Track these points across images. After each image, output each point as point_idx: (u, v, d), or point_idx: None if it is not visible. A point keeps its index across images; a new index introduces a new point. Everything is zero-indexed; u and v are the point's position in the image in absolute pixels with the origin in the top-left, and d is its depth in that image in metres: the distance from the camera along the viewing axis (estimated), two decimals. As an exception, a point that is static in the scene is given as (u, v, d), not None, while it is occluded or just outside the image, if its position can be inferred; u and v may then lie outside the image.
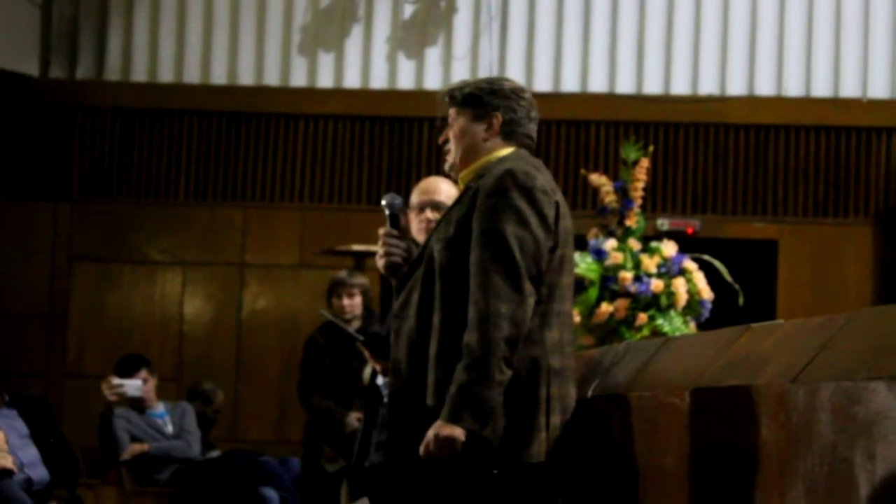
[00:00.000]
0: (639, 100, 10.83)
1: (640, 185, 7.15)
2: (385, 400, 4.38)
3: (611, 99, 10.87)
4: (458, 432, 3.71)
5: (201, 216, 10.95)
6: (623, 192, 7.16)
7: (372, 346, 4.67)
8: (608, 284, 6.95)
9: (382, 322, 5.03)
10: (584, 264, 6.91)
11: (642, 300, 6.92)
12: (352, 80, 10.99)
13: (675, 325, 6.90)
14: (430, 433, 3.74)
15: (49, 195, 10.96)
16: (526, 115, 4.11)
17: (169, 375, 10.32)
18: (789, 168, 10.83)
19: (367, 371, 5.24)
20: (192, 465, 8.78)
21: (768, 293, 10.60)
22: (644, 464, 3.86)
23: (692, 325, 7.04)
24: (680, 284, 6.96)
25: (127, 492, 8.66)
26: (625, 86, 10.88)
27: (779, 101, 10.80)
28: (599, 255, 7.01)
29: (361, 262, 9.17)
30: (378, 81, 10.98)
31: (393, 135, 10.96)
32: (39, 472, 7.31)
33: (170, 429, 8.90)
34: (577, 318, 6.70)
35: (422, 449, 3.76)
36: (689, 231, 10.61)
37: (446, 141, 4.15)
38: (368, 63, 11.00)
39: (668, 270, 7.01)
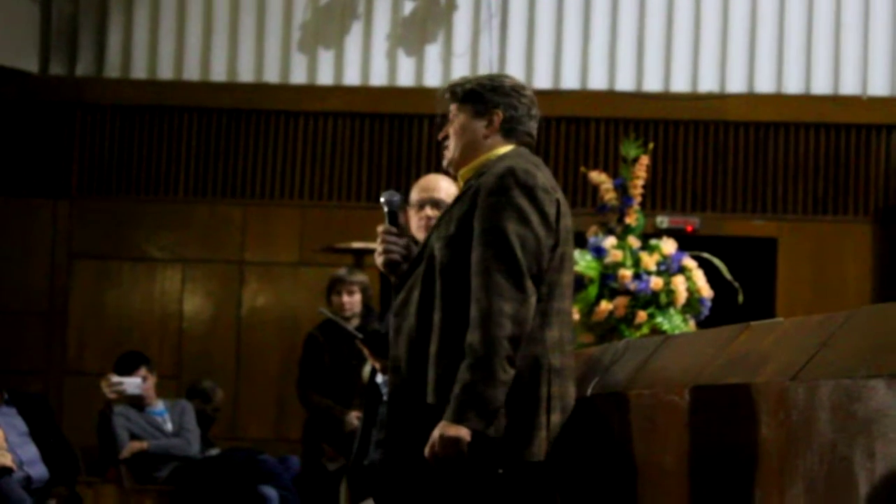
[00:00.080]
0: (638, 97, 10.83)
1: (640, 182, 7.15)
2: (384, 398, 4.38)
3: (610, 96, 10.86)
4: (464, 432, 3.71)
5: (201, 213, 10.95)
6: (623, 190, 7.16)
7: (371, 343, 4.66)
8: (608, 282, 6.95)
9: (382, 320, 5.03)
10: (583, 262, 6.90)
11: (642, 298, 6.92)
12: (352, 77, 10.98)
13: (675, 322, 6.90)
14: (436, 433, 3.74)
15: (49, 192, 10.96)
16: (526, 113, 4.10)
17: (168, 373, 10.32)
18: (789, 165, 10.83)
19: (367, 369, 5.23)
20: (192, 463, 8.78)
21: (768, 291, 10.60)
22: (643, 462, 3.86)
23: (692, 323, 7.04)
24: (679, 282, 6.96)
25: (126, 490, 8.67)
26: (625, 83, 10.87)
27: (778, 99, 10.80)
28: (599, 252, 7.01)
29: (361, 259, 9.17)
30: (378, 78, 10.98)
31: (393, 132, 10.96)
32: (39, 470, 7.31)
33: (169, 427, 8.90)
34: (576, 316, 6.70)
35: (427, 449, 3.75)
36: (689, 229, 10.60)
37: (446, 137, 4.15)
38: (368, 60, 10.99)
39: (668, 268, 7.01)
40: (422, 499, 3.94)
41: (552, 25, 10.93)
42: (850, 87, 10.78)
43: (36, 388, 9.85)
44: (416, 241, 4.43)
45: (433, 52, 10.99)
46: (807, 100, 10.80)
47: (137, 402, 8.84)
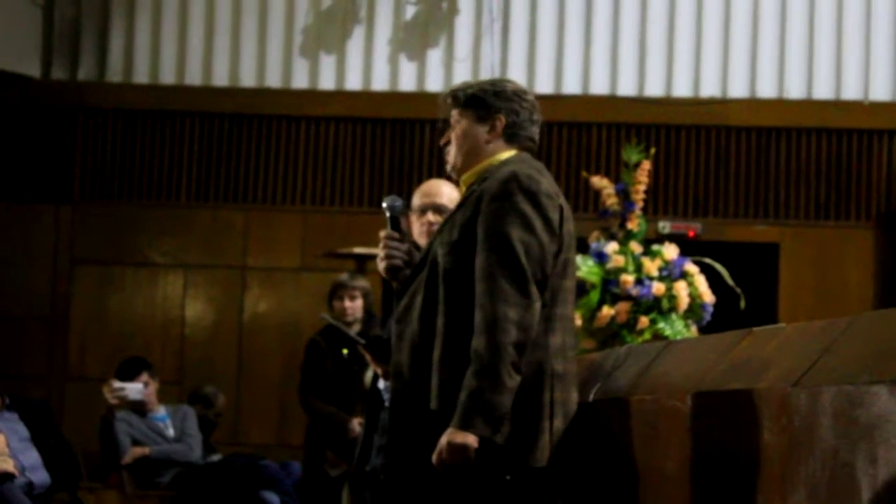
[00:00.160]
0: (640, 102, 10.83)
1: (642, 187, 7.15)
2: (386, 404, 4.38)
3: (612, 101, 10.86)
4: (471, 439, 3.71)
5: (203, 218, 10.95)
6: (624, 195, 7.16)
7: (373, 349, 4.66)
8: (609, 288, 6.94)
9: (384, 325, 5.03)
10: (585, 267, 6.90)
11: (644, 303, 6.91)
12: (353, 82, 10.99)
13: (677, 328, 6.90)
14: (443, 440, 3.73)
15: (51, 197, 10.97)
16: (528, 118, 4.10)
17: (170, 379, 10.32)
18: (791, 171, 10.83)
19: (369, 374, 5.23)
20: (194, 469, 8.78)
21: (770, 296, 10.60)
22: (645, 468, 3.86)
23: (693, 329, 7.04)
24: (681, 288, 6.96)
25: (128, 495, 8.66)
26: (626, 88, 10.88)
27: (780, 104, 10.80)
28: (601, 258, 7.00)
29: (363, 264, 9.16)
30: (379, 83, 10.98)
31: (394, 137, 10.96)
32: (40, 476, 7.30)
33: (171, 432, 8.90)
34: (578, 322, 6.70)
35: (435, 456, 3.75)
36: (691, 234, 10.60)
37: (448, 142, 4.14)
38: (370, 65, 11.00)
39: (670, 273, 7.00)
40: (424, 504, 3.94)
41: (554, 30, 10.94)
42: (851, 92, 10.78)
43: (38, 393, 9.85)
44: (418, 247, 4.42)
45: (435, 56, 10.99)
46: (809, 105, 10.80)
47: (139, 408, 8.83)
